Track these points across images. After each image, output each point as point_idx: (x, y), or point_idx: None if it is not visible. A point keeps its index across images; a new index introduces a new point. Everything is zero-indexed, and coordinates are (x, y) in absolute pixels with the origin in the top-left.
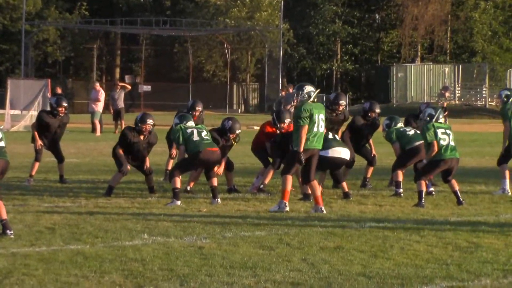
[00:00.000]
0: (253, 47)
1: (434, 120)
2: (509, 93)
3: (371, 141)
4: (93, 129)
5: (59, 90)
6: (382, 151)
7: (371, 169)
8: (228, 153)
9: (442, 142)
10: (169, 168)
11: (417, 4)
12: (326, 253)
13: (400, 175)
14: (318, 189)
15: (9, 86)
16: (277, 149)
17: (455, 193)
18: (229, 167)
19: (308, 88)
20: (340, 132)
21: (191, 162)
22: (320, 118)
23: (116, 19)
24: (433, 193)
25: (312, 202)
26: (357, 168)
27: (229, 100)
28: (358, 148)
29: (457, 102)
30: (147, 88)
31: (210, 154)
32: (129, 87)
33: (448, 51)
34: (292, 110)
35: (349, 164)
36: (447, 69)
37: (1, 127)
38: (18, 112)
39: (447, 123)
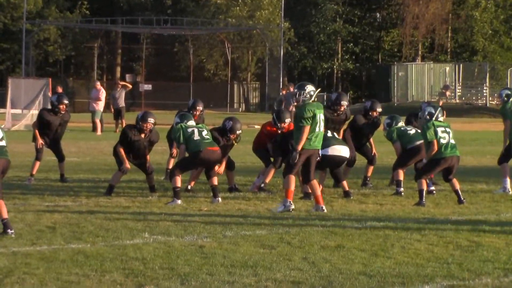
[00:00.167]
0: (254, 46)
1: (434, 118)
2: (509, 92)
3: (371, 140)
4: (94, 128)
5: (60, 89)
6: (383, 150)
7: (371, 168)
8: (229, 152)
9: (442, 141)
10: (170, 167)
11: (418, 3)
12: (327, 252)
13: (401, 174)
14: (318, 188)
15: (10, 85)
16: (278, 148)
17: (456, 192)
18: (230, 166)
19: (310, 88)
20: (342, 132)
21: (192, 161)
22: (320, 118)
23: (117, 18)
24: (434, 192)
25: (313, 201)
26: (358, 167)
27: (230, 99)
28: (359, 146)
29: (458, 101)
30: (147, 87)
31: (211, 154)
32: (130, 86)
33: (449, 50)
34: (294, 110)
35: (350, 163)
36: (448, 68)
37: (2, 126)
38: (19, 111)
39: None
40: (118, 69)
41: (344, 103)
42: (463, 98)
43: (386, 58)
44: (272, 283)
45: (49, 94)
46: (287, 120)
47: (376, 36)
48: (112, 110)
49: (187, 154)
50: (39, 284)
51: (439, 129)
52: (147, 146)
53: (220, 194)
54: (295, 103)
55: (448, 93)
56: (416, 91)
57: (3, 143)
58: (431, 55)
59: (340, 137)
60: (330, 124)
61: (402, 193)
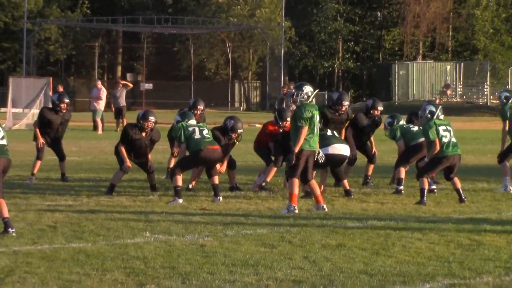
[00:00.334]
0: (255, 45)
1: (435, 117)
2: (508, 94)
3: (372, 138)
4: (95, 127)
5: (60, 89)
6: (384, 148)
7: (371, 167)
8: (230, 151)
9: (444, 140)
10: (171, 166)
11: (419, 2)
12: (328, 251)
13: (403, 172)
14: (318, 188)
15: (11, 84)
16: (279, 147)
17: (457, 190)
18: (232, 165)
19: (307, 88)
20: (343, 131)
21: (192, 160)
22: (317, 120)
23: (118, 17)
24: (435, 191)
25: (313, 200)
26: (358, 166)
27: (231, 98)
28: (359, 145)
29: (458, 99)
30: (148, 86)
31: (211, 152)
32: (131, 85)
33: (449, 49)
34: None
35: (351, 161)
36: (448, 67)
37: (3, 125)
38: (19, 110)
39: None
40: (119, 68)
41: (346, 103)
42: (464, 97)
43: (387, 57)
44: (273, 282)
45: (50, 93)
46: (289, 119)
47: (377, 35)
48: (113, 109)
49: (187, 153)
50: (40, 283)
51: (441, 128)
52: (148, 145)
53: (221, 193)
54: (293, 104)
55: (449, 92)
56: (417, 90)
57: (4, 142)
58: (432, 54)
59: (342, 137)
60: (331, 124)
61: (402, 191)
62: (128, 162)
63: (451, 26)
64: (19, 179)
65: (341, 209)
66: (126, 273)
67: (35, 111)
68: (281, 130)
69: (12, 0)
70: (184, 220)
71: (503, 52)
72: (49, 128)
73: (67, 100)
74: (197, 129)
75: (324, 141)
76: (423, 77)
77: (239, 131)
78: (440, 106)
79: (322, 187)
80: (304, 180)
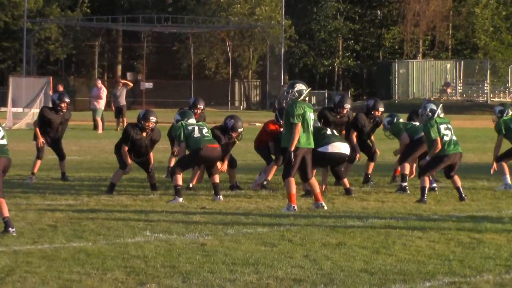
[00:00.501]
0: (255, 43)
1: (435, 115)
2: (502, 108)
3: (372, 137)
4: (95, 127)
5: (61, 88)
6: (384, 147)
7: (371, 165)
8: (230, 150)
9: (445, 138)
10: (171, 165)
11: (419, 0)
12: (328, 250)
13: (407, 168)
14: (318, 186)
15: (11, 84)
16: (280, 146)
17: (457, 189)
18: (232, 164)
19: (299, 86)
20: (343, 132)
21: (192, 159)
22: (310, 117)
23: (118, 17)
24: (436, 189)
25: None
26: (359, 164)
27: (231, 97)
28: (360, 144)
29: (458, 98)
30: (148, 85)
31: (211, 151)
32: (131, 84)
33: (449, 47)
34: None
35: (351, 159)
36: (448, 65)
37: (3, 124)
38: (20, 110)
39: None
40: (119, 67)
41: (347, 105)
42: (464, 95)
43: (387, 56)
44: (274, 280)
45: (50, 92)
46: None
47: (377, 34)
48: (113, 108)
49: (187, 152)
50: (41, 283)
51: (442, 126)
52: (148, 145)
53: (222, 192)
54: (284, 101)
55: (449, 90)
56: (417, 88)
57: (4, 141)
58: (432, 52)
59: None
60: (332, 126)
61: (407, 189)
62: (129, 161)
63: (451, 24)
64: (20, 178)
65: (341, 207)
66: (127, 272)
67: (35, 110)
68: (281, 129)
69: None
70: (185, 219)
71: (503, 50)
72: (49, 128)
73: (67, 100)
74: (196, 128)
75: (324, 140)
76: (423, 76)
77: (239, 130)
78: (441, 105)
79: (323, 186)
80: (304, 179)
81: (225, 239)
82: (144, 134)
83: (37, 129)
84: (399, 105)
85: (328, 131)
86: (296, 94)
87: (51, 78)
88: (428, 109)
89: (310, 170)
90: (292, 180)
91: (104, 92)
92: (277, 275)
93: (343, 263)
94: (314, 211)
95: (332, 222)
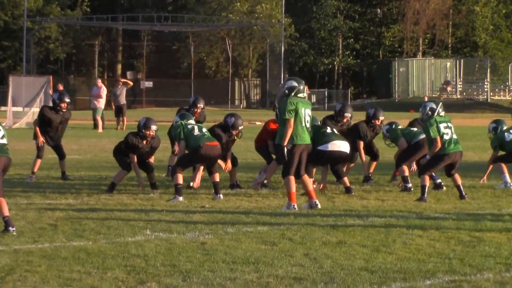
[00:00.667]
0: (255, 42)
1: (435, 114)
2: (495, 125)
3: (373, 141)
4: (95, 126)
5: (61, 87)
6: (384, 146)
7: (373, 164)
8: (231, 148)
9: (445, 137)
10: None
11: None
12: (329, 248)
13: (406, 170)
14: (311, 183)
15: (11, 83)
16: None
17: (457, 187)
18: (233, 163)
19: (290, 83)
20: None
21: (192, 158)
22: (306, 113)
23: (118, 15)
24: (442, 184)
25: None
26: (359, 163)
27: (231, 95)
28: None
29: (458, 96)
30: (148, 84)
31: (211, 149)
32: (131, 83)
33: (449, 46)
34: None
35: (352, 158)
36: (448, 64)
37: (3, 124)
38: (20, 109)
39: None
40: (119, 66)
41: (348, 114)
42: (464, 94)
43: (387, 54)
44: (274, 279)
45: (50, 91)
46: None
47: (376, 32)
48: (113, 107)
49: (187, 151)
50: (41, 282)
51: (442, 125)
52: (149, 152)
53: (222, 191)
54: (276, 100)
55: (449, 88)
56: (417, 86)
57: (4, 141)
58: (432, 50)
59: None
60: None
61: (411, 189)
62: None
63: (451, 23)
64: (20, 177)
65: (341, 206)
66: (127, 271)
67: (35, 109)
68: None
69: None
70: (185, 218)
71: (503, 48)
72: (49, 127)
73: (67, 100)
74: (196, 127)
75: (324, 138)
76: (423, 74)
77: (239, 127)
78: (441, 103)
79: (323, 185)
80: (297, 175)
81: (225, 238)
82: (145, 142)
83: (37, 128)
84: (399, 103)
85: (328, 130)
86: (287, 91)
87: (51, 77)
88: (428, 108)
89: (303, 167)
90: (292, 179)
91: (104, 91)
92: (277, 274)
93: (343, 261)
94: (314, 210)
95: (332, 221)
